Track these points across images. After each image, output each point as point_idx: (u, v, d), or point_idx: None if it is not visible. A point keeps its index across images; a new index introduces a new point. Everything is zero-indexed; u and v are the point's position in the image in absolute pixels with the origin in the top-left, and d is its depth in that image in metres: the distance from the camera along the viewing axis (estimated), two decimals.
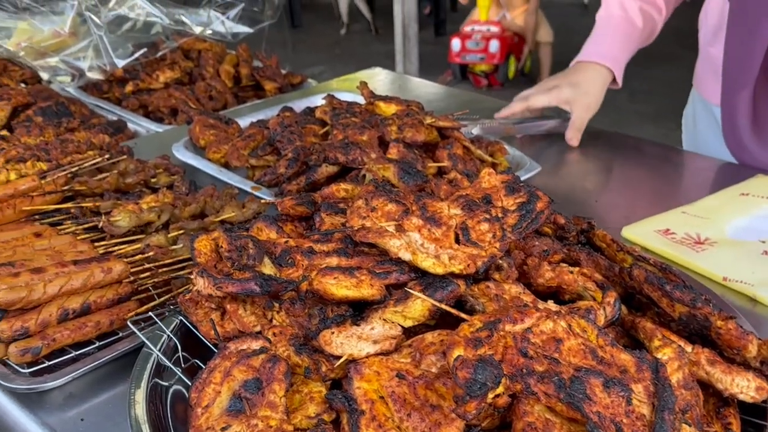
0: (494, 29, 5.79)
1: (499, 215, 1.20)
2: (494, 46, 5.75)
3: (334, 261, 1.19)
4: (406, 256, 1.15)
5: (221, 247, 1.30)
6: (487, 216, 1.20)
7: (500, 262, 1.16)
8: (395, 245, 1.16)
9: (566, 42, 7.39)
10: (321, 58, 7.16)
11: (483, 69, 5.85)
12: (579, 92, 2.18)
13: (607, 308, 1.16)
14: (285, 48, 2.97)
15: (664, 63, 6.80)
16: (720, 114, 2.01)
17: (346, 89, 2.44)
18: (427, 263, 1.14)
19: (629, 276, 1.25)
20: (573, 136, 2.19)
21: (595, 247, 1.39)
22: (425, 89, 2.70)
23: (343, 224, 1.26)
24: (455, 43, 5.91)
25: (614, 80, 2.26)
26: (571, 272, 1.20)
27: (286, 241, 1.23)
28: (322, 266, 1.18)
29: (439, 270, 1.14)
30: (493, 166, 1.94)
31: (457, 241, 1.18)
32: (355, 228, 1.19)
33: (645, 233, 1.73)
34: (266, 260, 1.23)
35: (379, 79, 2.73)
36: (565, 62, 7.50)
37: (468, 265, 1.13)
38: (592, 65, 2.21)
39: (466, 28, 5.89)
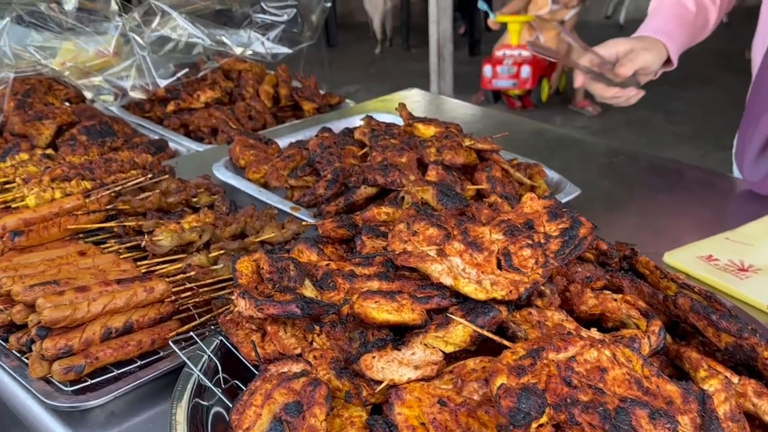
0: (525, 54, 5.76)
1: (542, 241, 1.19)
2: (526, 71, 5.72)
3: (375, 285, 1.19)
4: (447, 281, 1.15)
5: (262, 268, 1.31)
6: (530, 241, 1.19)
7: (543, 288, 1.15)
8: (437, 270, 1.16)
9: None
10: (356, 77, 7.21)
11: (516, 93, 5.83)
12: (639, 46, 2.00)
13: (651, 337, 1.14)
14: (322, 67, 3.00)
15: (700, 84, 6.73)
16: None
17: (384, 110, 2.45)
18: (468, 288, 1.13)
19: (674, 304, 1.23)
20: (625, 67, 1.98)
21: (638, 273, 1.37)
22: (462, 110, 2.70)
23: (385, 248, 1.26)
24: (487, 70, 5.89)
25: (668, 61, 2.08)
26: (615, 300, 1.19)
27: (328, 264, 1.23)
28: (363, 290, 1.18)
29: (481, 295, 1.13)
30: (532, 188, 1.93)
31: (499, 266, 1.17)
32: (397, 252, 1.19)
33: (687, 259, 1.70)
34: (307, 282, 1.24)
35: (415, 99, 2.74)
36: None
37: (510, 291, 1.12)
38: (647, 37, 2.05)
39: (498, 53, 5.87)
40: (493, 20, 5.84)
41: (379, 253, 1.22)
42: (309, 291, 1.23)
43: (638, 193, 2.08)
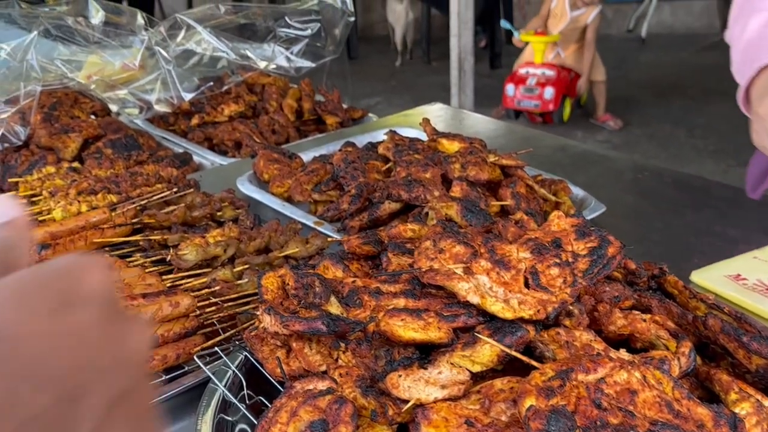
0: (549, 73, 5.71)
1: (570, 260, 1.18)
2: (549, 93, 5.68)
3: (401, 302, 1.18)
4: (474, 299, 1.14)
5: (288, 284, 1.31)
6: (557, 260, 1.17)
7: (571, 308, 1.14)
8: (463, 288, 1.15)
9: (623, 76, 7.31)
10: (377, 89, 7.23)
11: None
12: None
13: (681, 359, 1.12)
14: (344, 80, 3.00)
15: (723, 99, 6.68)
16: None
17: (407, 124, 2.45)
18: (496, 307, 1.12)
19: (704, 325, 1.21)
20: None
21: (667, 293, 1.36)
22: (485, 125, 2.70)
23: (411, 265, 1.25)
24: (509, 89, 5.86)
25: None
26: (644, 320, 1.17)
27: (354, 281, 1.23)
28: (390, 307, 1.17)
29: (509, 315, 1.12)
30: (557, 205, 1.92)
31: (527, 285, 1.16)
32: (423, 269, 1.18)
33: (715, 278, 1.68)
34: (333, 299, 1.23)
35: (438, 114, 2.74)
36: (621, 97, 7.40)
37: (538, 311, 1.11)
38: None
39: (521, 71, 5.83)
40: (518, 38, 5.81)
41: (406, 271, 1.22)
42: (334, 308, 1.22)
43: (664, 210, 2.05)
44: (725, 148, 5.85)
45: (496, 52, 7.63)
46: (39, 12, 2.26)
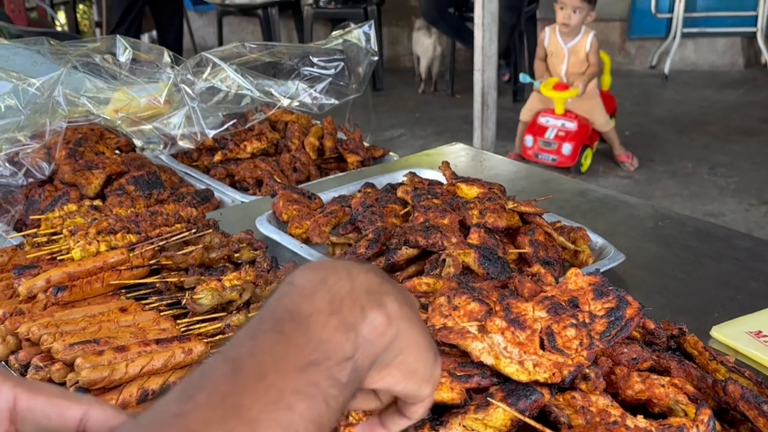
0: (570, 125, 5.64)
1: (587, 321, 1.16)
2: (567, 149, 5.61)
3: None
4: (488, 360, 1.13)
5: None
6: (574, 321, 1.16)
7: (587, 371, 1.12)
8: (477, 348, 1.13)
9: (645, 112, 7.28)
10: (401, 121, 7.25)
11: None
12: None
13: (700, 426, 1.10)
14: (367, 113, 3.02)
15: (745, 137, 6.62)
16: None
17: (428, 165, 2.45)
18: (510, 369, 1.11)
19: (723, 390, 1.19)
20: None
21: (686, 354, 1.33)
22: (505, 167, 2.69)
23: (425, 322, 1.24)
24: (528, 140, 5.82)
25: None
26: (662, 385, 1.15)
27: None
28: None
29: (523, 377, 1.10)
30: (576, 253, 1.90)
31: (542, 346, 1.14)
32: (437, 327, 1.17)
33: (735, 334, 1.64)
34: None
35: (459, 155, 2.73)
36: (643, 133, 7.33)
37: (554, 374, 1.10)
38: None
39: (541, 119, 5.79)
40: (538, 89, 5.80)
41: None
42: None
43: (684, 260, 2.02)
44: (747, 186, 5.78)
45: (519, 86, 7.63)
46: (68, 49, 2.30)
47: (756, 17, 8.07)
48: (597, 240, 1.96)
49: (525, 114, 6.02)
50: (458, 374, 1.13)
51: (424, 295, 1.33)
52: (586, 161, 5.81)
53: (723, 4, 8.23)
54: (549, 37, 5.82)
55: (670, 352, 1.30)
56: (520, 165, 2.63)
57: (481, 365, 1.14)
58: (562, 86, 5.70)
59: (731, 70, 8.38)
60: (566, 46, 5.71)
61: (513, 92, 7.72)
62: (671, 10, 8.28)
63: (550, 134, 5.70)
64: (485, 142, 5.86)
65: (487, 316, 1.18)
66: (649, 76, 8.42)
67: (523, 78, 6.10)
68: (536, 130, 5.79)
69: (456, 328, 1.16)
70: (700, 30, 8.30)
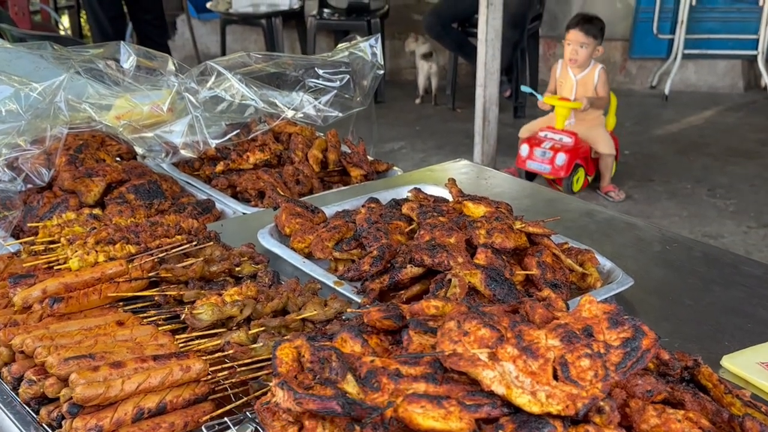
0: (567, 140, 5.64)
1: (602, 351, 1.13)
2: (561, 159, 5.61)
3: (421, 387, 1.13)
4: (499, 389, 1.09)
5: (303, 356, 1.26)
6: (589, 351, 1.12)
7: (602, 404, 1.08)
8: (488, 377, 1.10)
9: (645, 132, 7.28)
10: (402, 133, 7.21)
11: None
12: None
13: None
14: (370, 125, 2.99)
15: (745, 159, 6.61)
16: None
17: (432, 181, 2.41)
18: (522, 400, 1.07)
19: (741, 427, 1.15)
20: None
21: (700, 386, 1.29)
22: (510, 185, 2.66)
23: (433, 346, 1.20)
24: (524, 149, 5.83)
25: None
26: (679, 420, 1.11)
27: (372, 361, 1.18)
28: (409, 392, 1.12)
29: (535, 408, 1.06)
30: (583, 276, 1.86)
31: (555, 376, 1.10)
32: (446, 353, 1.13)
33: (746, 364, 1.61)
34: (349, 377, 1.18)
35: (463, 171, 2.70)
36: (644, 152, 7.32)
37: (567, 406, 1.06)
38: None
39: (540, 134, 5.81)
40: (541, 101, 5.80)
41: (428, 353, 1.17)
42: (351, 386, 1.17)
43: (692, 286, 1.99)
44: (746, 209, 5.77)
45: (520, 102, 7.62)
46: (71, 54, 2.27)
47: (757, 41, 8.09)
48: (605, 263, 1.93)
49: (525, 132, 6.01)
50: (467, 403, 1.09)
51: (433, 318, 1.29)
52: (578, 183, 5.79)
53: (724, 27, 8.25)
54: (560, 69, 5.87)
55: (684, 384, 1.27)
56: (525, 183, 2.60)
57: (491, 394, 1.10)
58: (565, 100, 5.72)
59: (731, 93, 8.39)
60: (575, 78, 5.75)
61: (514, 108, 7.71)
62: (673, 31, 8.30)
63: (546, 145, 5.70)
64: (486, 157, 5.85)
65: (499, 343, 1.14)
66: (649, 96, 8.42)
67: (525, 89, 6.10)
68: (534, 141, 5.80)
69: (466, 354, 1.12)
70: (701, 52, 8.32)
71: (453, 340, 1.16)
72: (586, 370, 1.10)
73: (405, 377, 1.14)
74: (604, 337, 1.16)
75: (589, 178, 5.93)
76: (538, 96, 5.84)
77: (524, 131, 6.02)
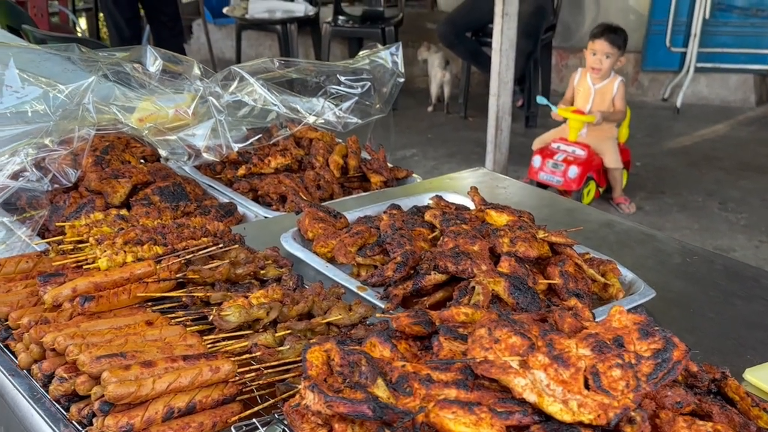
0: (580, 152, 5.64)
1: (633, 361, 1.13)
2: (573, 172, 5.61)
3: (452, 393, 1.14)
4: (531, 397, 1.09)
5: (333, 360, 1.27)
6: (620, 361, 1.13)
7: (633, 414, 1.09)
8: (520, 384, 1.10)
9: (656, 143, 7.27)
10: (414, 141, 7.24)
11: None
12: None
13: None
14: (387, 132, 3.01)
15: (757, 174, 6.60)
16: None
17: (451, 189, 2.42)
18: (554, 408, 1.08)
19: None
20: None
21: (727, 398, 1.30)
22: (528, 194, 2.67)
23: (464, 353, 1.21)
24: (536, 160, 5.83)
25: None
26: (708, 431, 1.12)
27: (404, 366, 1.19)
28: (440, 397, 1.13)
29: (567, 417, 1.07)
30: (605, 287, 1.87)
31: (587, 386, 1.11)
32: (478, 360, 1.14)
33: None
34: (379, 381, 1.19)
35: (481, 179, 2.71)
36: (655, 164, 7.30)
37: (599, 416, 1.06)
38: None
39: (553, 145, 5.81)
40: (555, 113, 5.80)
41: (459, 360, 1.18)
42: (381, 390, 1.18)
43: (714, 299, 1.99)
44: (757, 223, 5.75)
45: (532, 112, 7.63)
46: (98, 57, 2.29)
47: None
48: (626, 274, 1.93)
49: (538, 144, 6.02)
50: (499, 410, 1.10)
51: (462, 325, 1.30)
52: (589, 195, 5.79)
53: (737, 41, 8.25)
54: (579, 78, 5.87)
55: (711, 396, 1.27)
56: (544, 193, 2.61)
57: (522, 402, 1.10)
58: (579, 112, 5.71)
59: (743, 107, 8.39)
60: (594, 87, 5.74)
61: (526, 118, 7.72)
62: (686, 44, 8.31)
63: (558, 157, 5.70)
64: (497, 166, 5.85)
65: (530, 351, 1.15)
66: (660, 109, 8.42)
67: (540, 100, 6.10)
68: (546, 153, 5.80)
69: (498, 362, 1.13)
70: (714, 65, 8.32)
71: (484, 347, 1.17)
72: (617, 380, 1.11)
73: (436, 383, 1.15)
74: (634, 347, 1.16)
75: (601, 190, 5.93)
76: (553, 107, 5.84)
77: (537, 143, 6.03)
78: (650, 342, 1.16)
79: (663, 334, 1.17)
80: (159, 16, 6.98)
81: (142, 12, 7.12)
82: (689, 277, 2.09)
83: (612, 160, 5.77)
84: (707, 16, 8.09)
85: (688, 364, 1.28)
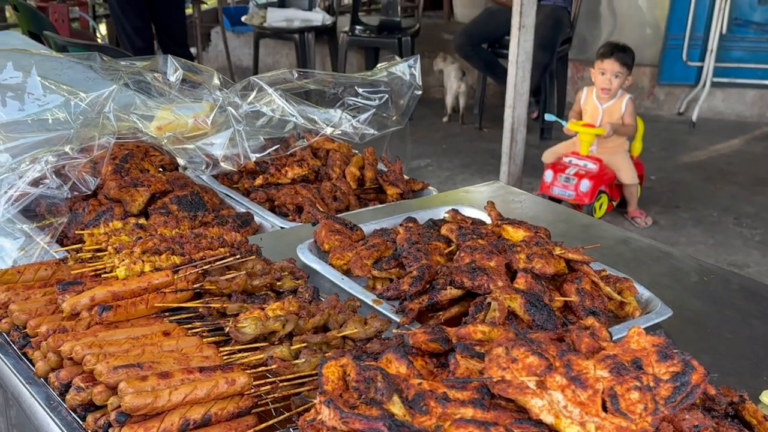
0: (592, 166, 5.60)
1: (651, 384, 1.13)
2: (585, 186, 5.57)
3: (469, 412, 1.13)
4: (548, 418, 1.09)
5: (349, 375, 1.27)
6: (638, 384, 1.12)
7: None
8: (537, 405, 1.10)
9: (671, 158, 7.24)
10: (428, 151, 7.24)
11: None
12: None
13: None
14: (403, 143, 3.02)
15: None
16: None
17: (467, 202, 2.42)
18: (571, 430, 1.07)
19: None
20: None
21: (745, 422, 1.29)
22: (543, 208, 2.66)
23: (480, 371, 1.21)
24: (548, 175, 5.80)
25: None
26: None
27: (420, 383, 1.19)
28: (457, 416, 1.13)
29: None
30: (622, 305, 1.86)
31: (604, 408, 1.11)
32: (495, 379, 1.14)
33: None
34: (395, 398, 1.19)
35: (497, 193, 2.71)
36: (670, 178, 7.26)
37: None
38: None
39: (565, 159, 5.78)
40: (566, 128, 5.77)
41: (476, 379, 1.17)
42: (397, 408, 1.18)
43: (731, 318, 1.98)
44: None
45: (547, 124, 7.62)
46: (119, 66, 2.32)
47: None
48: (643, 292, 1.92)
49: (548, 156, 5.99)
50: (515, 431, 1.09)
51: (479, 343, 1.30)
52: (601, 209, 5.76)
53: (754, 57, 8.22)
54: (585, 97, 5.82)
55: (729, 420, 1.26)
56: (559, 207, 2.61)
57: (539, 423, 1.10)
58: (590, 126, 5.69)
59: (759, 122, 8.34)
60: (602, 106, 5.71)
61: (540, 130, 7.71)
62: (702, 58, 8.28)
63: (570, 171, 5.67)
64: (512, 178, 5.85)
65: (547, 372, 1.15)
66: (676, 123, 8.38)
67: (549, 117, 6.07)
68: (558, 167, 5.77)
69: (515, 381, 1.13)
70: (730, 80, 8.29)
71: (501, 366, 1.16)
72: (635, 402, 1.10)
73: (453, 401, 1.15)
74: (653, 370, 1.16)
75: (614, 203, 5.90)
76: (563, 123, 5.82)
77: (548, 155, 6.00)
78: (669, 365, 1.16)
79: (682, 357, 1.16)
80: (165, 26, 7.02)
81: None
82: (706, 296, 2.08)
83: (628, 176, 5.73)
84: (724, 31, 8.06)
85: (707, 387, 1.27)
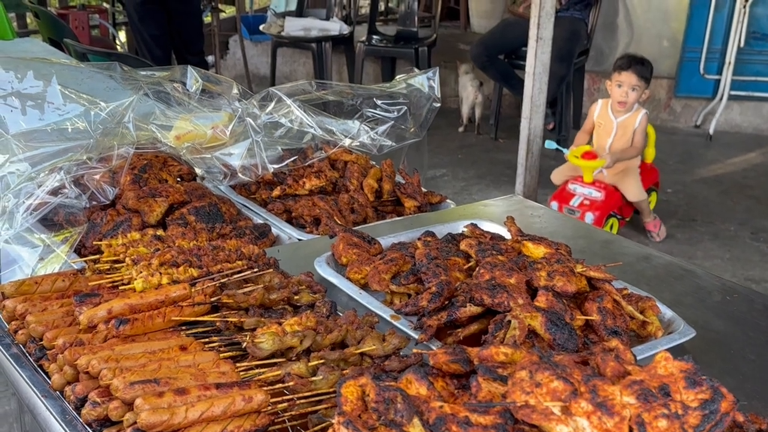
0: (596, 195, 5.46)
1: (680, 412, 1.10)
2: (589, 218, 5.46)
3: None
4: None
5: (368, 395, 1.25)
6: (666, 411, 1.09)
7: None
8: (562, 431, 1.07)
9: (688, 171, 7.18)
10: (444, 161, 7.23)
11: None
12: None
13: None
14: (420, 155, 3.01)
15: None
16: None
17: (486, 216, 2.40)
18: None
19: None
20: None
21: None
22: (563, 224, 2.63)
23: (503, 395, 1.18)
24: (553, 206, 5.70)
25: None
26: None
27: (441, 406, 1.16)
28: None
29: None
30: (644, 324, 1.83)
31: None
32: (518, 404, 1.12)
33: None
34: (416, 421, 1.17)
35: (515, 207, 2.68)
36: (687, 191, 7.17)
37: None
38: None
39: (569, 186, 5.66)
40: (567, 156, 5.68)
41: (499, 403, 1.15)
42: (417, 430, 1.16)
43: (755, 340, 1.94)
44: None
45: (563, 136, 7.58)
46: (139, 76, 2.32)
47: None
48: (666, 311, 1.89)
49: (556, 177, 5.92)
50: None
51: (502, 365, 1.27)
52: (612, 229, 5.65)
53: None
54: (600, 110, 5.72)
55: None
56: (579, 223, 2.58)
57: None
58: (590, 155, 5.57)
59: None
60: (616, 120, 5.60)
61: (557, 141, 7.67)
62: (720, 71, 8.23)
63: (575, 202, 5.56)
64: (528, 189, 5.81)
65: (572, 397, 1.12)
66: (693, 135, 8.33)
67: (549, 144, 5.91)
68: (563, 196, 5.66)
69: (539, 407, 1.11)
70: (748, 93, 8.23)
71: (525, 390, 1.14)
72: (663, 430, 1.07)
73: (475, 426, 1.13)
74: (681, 396, 1.13)
75: (626, 220, 5.83)
76: (564, 150, 5.72)
77: (556, 175, 5.90)
78: (698, 392, 1.13)
79: (711, 384, 1.14)
80: (182, 35, 7.04)
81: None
82: (729, 317, 2.04)
83: (634, 194, 5.60)
84: (742, 45, 8.01)
85: (735, 414, 1.23)
